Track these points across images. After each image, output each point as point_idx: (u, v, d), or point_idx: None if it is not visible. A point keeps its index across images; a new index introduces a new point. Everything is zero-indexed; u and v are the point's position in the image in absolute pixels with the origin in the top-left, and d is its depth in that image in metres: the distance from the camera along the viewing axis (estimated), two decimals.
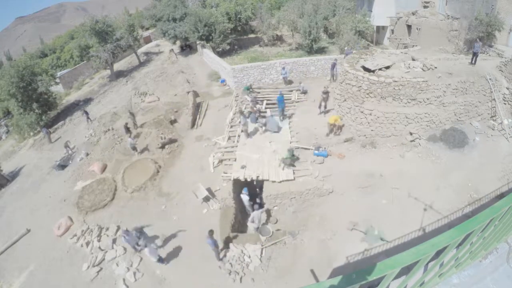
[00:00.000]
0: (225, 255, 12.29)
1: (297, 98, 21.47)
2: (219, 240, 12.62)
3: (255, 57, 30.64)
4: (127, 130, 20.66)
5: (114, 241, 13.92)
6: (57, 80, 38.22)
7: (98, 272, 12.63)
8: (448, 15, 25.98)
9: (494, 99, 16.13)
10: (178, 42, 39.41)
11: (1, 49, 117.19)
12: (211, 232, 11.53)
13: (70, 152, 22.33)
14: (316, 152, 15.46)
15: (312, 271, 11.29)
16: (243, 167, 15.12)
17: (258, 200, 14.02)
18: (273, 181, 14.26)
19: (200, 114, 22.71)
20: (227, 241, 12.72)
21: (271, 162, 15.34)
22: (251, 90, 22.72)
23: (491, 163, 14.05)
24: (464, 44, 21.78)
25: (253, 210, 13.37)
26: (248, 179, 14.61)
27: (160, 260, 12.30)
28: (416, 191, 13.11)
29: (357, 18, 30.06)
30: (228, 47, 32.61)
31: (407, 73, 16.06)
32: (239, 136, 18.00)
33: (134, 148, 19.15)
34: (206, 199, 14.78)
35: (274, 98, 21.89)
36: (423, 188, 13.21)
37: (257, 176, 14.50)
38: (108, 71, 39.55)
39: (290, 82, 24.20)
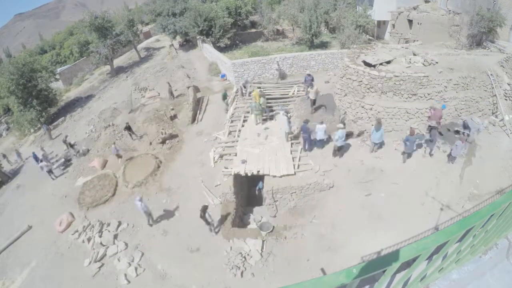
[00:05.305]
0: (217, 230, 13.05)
1: (297, 93, 21.48)
2: (219, 235, 12.76)
3: (256, 51, 30.53)
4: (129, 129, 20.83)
5: (115, 236, 14.00)
6: (57, 77, 38.11)
7: (99, 267, 12.71)
8: (450, 10, 25.81)
9: (495, 95, 16.07)
10: (178, 37, 39.28)
11: (0, 46, 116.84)
12: (204, 207, 12.41)
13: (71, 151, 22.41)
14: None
15: (312, 265, 11.36)
16: (243, 162, 15.14)
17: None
18: (274, 176, 14.27)
19: (200, 109, 22.69)
20: (228, 236, 12.78)
21: (271, 156, 15.35)
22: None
23: (492, 159, 14.03)
24: (466, 39, 21.64)
25: None
26: (249, 174, 14.64)
27: None
28: (417, 186, 13.11)
29: (358, 13, 29.90)
30: (228, 42, 32.48)
31: (408, 68, 15.99)
32: (239, 131, 18.01)
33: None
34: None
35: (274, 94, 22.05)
36: (423, 183, 13.21)
37: (258, 171, 14.52)
38: (108, 67, 39.46)
39: (284, 77, 24.17)
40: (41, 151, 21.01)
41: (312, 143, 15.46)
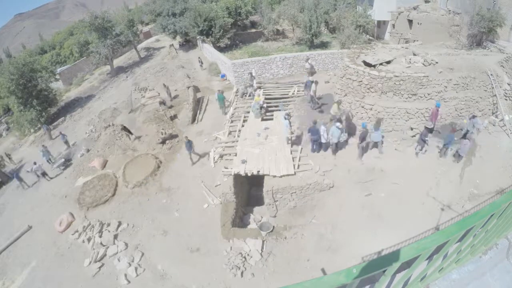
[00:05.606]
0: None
1: (297, 93, 21.49)
2: (219, 235, 12.76)
3: (256, 51, 30.52)
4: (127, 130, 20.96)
5: (115, 236, 14.00)
6: (57, 77, 38.24)
7: (99, 267, 12.72)
8: (450, 10, 25.82)
9: (495, 95, 16.07)
10: (178, 37, 39.29)
11: (0, 46, 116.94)
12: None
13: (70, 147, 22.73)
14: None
15: (312, 265, 11.36)
16: (243, 162, 15.14)
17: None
18: (274, 176, 14.27)
19: (200, 109, 22.69)
20: (228, 236, 12.78)
21: (271, 156, 15.35)
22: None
23: (492, 159, 14.03)
24: (466, 39, 21.65)
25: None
26: (249, 174, 14.64)
27: None
28: (417, 186, 13.10)
29: (358, 13, 29.89)
30: (228, 41, 32.49)
31: (408, 68, 15.99)
32: (239, 131, 18.01)
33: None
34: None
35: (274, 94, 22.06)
36: (423, 183, 13.21)
37: (258, 171, 14.52)
38: (108, 67, 39.48)
39: (313, 73, 24.12)
40: (42, 152, 21.14)
41: (321, 145, 15.46)
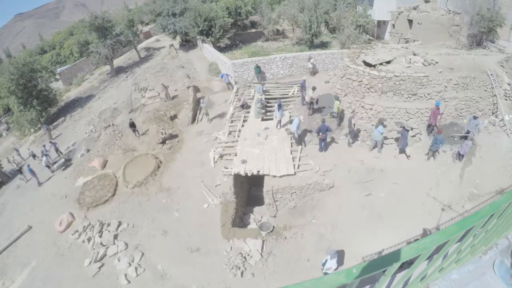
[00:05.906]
0: None
1: (296, 93, 21.48)
2: (219, 235, 12.76)
3: (256, 51, 30.50)
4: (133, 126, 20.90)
5: (115, 236, 14.00)
6: (57, 77, 38.21)
7: (100, 267, 12.72)
8: (450, 10, 25.81)
9: (495, 95, 16.07)
10: (178, 37, 39.30)
11: (0, 46, 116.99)
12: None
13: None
14: None
15: (312, 265, 11.36)
16: (243, 162, 15.14)
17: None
18: (274, 176, 14.27)
19: (200, 109, 22.67)
20: (228, 236, 12.77)
21: (271, 156, 15.34)
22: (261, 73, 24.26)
23: (492, 159, 14.03)
24: (466, 39, 21.65)
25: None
26: (249, 174, 14.64)
27: None
28: (417, 186, 13.11)
29: (358, 13, 29.89)
30: (228, 41, 32.48)
31: (408, 68, 15.99)
32: (239, 131, 18.01)
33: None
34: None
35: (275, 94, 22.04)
36: (423, 183, 13.21)
37: (258, 171, 14.52)
38: (108, 67, 39.44)
39: (315, 72, 24.51)
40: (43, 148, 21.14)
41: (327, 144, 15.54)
